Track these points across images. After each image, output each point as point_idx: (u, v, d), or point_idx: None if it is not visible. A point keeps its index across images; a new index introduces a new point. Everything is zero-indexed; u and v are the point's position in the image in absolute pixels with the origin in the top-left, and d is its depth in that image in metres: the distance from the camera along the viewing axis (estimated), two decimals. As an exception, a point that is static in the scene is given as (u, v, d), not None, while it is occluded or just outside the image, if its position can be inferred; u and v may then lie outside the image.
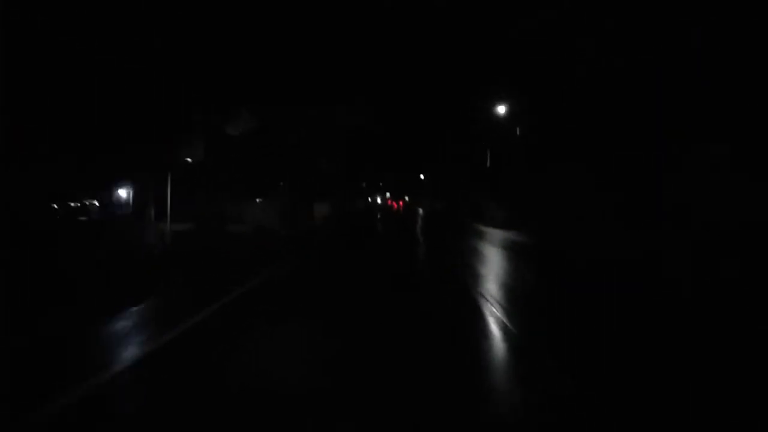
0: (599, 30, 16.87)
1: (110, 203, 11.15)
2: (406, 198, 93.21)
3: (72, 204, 10.93)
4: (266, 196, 20.77)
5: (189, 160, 11.45)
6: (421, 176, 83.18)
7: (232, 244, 13.14)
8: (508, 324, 4.94)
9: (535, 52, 22.65)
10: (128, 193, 11.29)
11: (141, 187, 11.05)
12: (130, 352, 4.05)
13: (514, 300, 6.39)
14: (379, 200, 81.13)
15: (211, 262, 9.74)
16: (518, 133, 26.75)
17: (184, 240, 12.92)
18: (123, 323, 4.96)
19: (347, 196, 43.60)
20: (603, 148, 18.86)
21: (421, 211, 57.96)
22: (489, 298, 6.22)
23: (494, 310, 5.55)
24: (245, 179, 16.23)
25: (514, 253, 12.69)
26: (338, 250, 13.36)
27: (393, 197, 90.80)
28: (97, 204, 12.18)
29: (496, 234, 18.40)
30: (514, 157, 27.45)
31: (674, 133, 14.65)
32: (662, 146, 14.73)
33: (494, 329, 4.83)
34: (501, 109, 26.80)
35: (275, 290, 7.07)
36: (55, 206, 10.24)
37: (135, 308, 5.53)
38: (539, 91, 24.08)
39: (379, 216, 37.93)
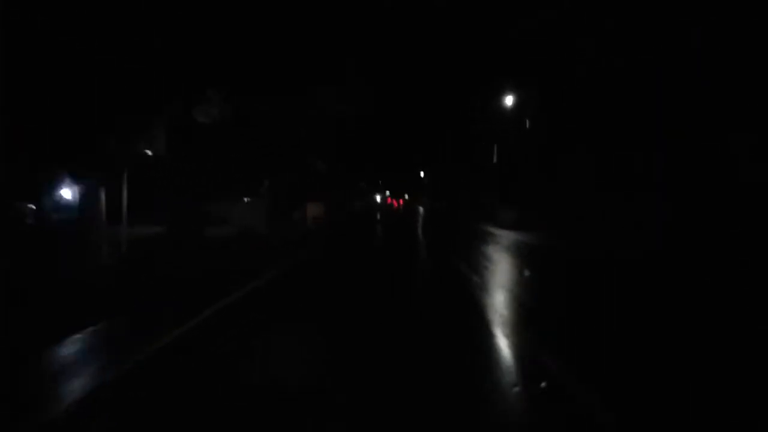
0: (599, 30, 16.80)
1: (53, 206, 9.20)
2: (406, 196, 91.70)
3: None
4: (255, 195, 18.87)
5: (149, 153, 9.47)
6: (421, 174, 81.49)
7: (206, 251, 11.24)
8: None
9: (535, 51, 22.02)
10: (74, 194, 9.35)
11: (89, 186, 9.12)
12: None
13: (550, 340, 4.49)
14: (378, 199, 79.28)
15: (171, 277, 7.84)
16: (527, 126, 24.89)
17: (146, 247, 11.02)
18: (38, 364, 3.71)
19: (345, 196, 41.67)
20: (621, 143, 17.59)
21: (421, 210, 56.05)
22: (524, 344, 4.34)
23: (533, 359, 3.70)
24: (227, 176, 14.28)
25: (533, 262, 10.79)
26: (333, 259, 11.47)
27: (392, 196, 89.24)
28: (33, 207, 10.29)
29: (507, 237, 16.49)
30: (523, 153, 25.59)
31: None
32: (662, 146, 14.61)
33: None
34: (509, 100, 24.90)
35: (244, 320, 5.20)
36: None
37: (55, 347, 3.96)
38: (546, 86, 22.79)
39: (378, 216, 35.87)
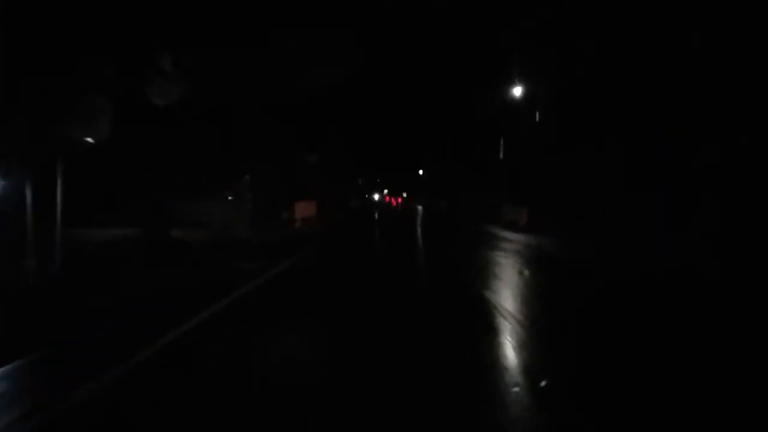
0: (599, 30, 16.87)
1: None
2: (404, 195, 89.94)
3: None
4: (234, 193, 16.91)
5: (90, 139, 7.51)
6: (420, 172, 79.54)
7: (160, 262, 9.29)
8: None
9: (540, 45, 21.49)
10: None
11: (10, 182, 7.18)
12: None
13: None
14: (376, 197, 77.45)
15: (88, 306, 5.89)
16: (537, 118, 22.98)
17: (93, 257, 9.09)
18: None
19: (342, 193, 39.73)
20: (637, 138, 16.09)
21: (420, 209, 54.09)
22: None
23: None
24: (195, 168, 12.29)
25: (560, 277, 8.88)
26: (322, 275, 9.50)
27: (391, 194, 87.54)
28: None
29: (522, 243, 14.54)
30: (531, 148, 23.69)
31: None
32: (662, 146, 14.50)
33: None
34: (517, 91, 22.94)
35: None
36: None
37: None
38: (558, 75, 21.13)
39: (376, 216, 33.73)
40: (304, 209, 18.61)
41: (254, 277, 7.40)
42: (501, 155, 25.56)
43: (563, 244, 13.66)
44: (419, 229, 20.15)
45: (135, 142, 9.12)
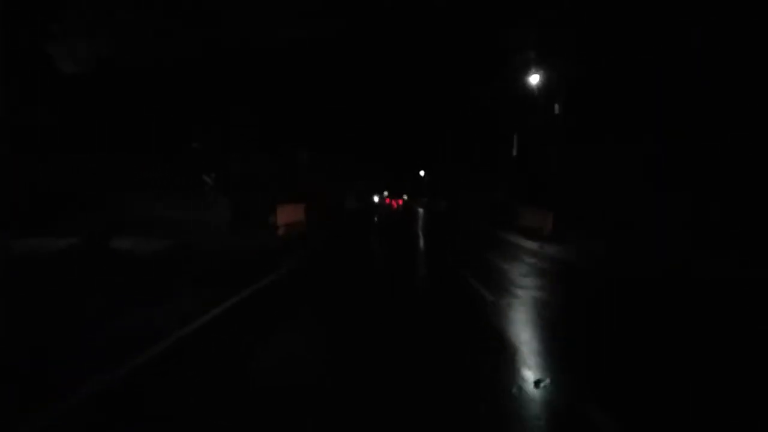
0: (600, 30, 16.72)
1: None
2: (405, 197, 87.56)
3: None
4: (207, 191, 14.37)
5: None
6: (421, 173, 76.98)
7: (67, 293, 6.71)
8: None
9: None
10: None
11: None
12: None
13: None
14: (376, 199, 74.86)
15: None
16: (556, 111, 20.42)
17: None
18: None
19: (337, 194, 37.12)
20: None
21: (421, 211, 51.44)
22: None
23: None
24: (152, 162, 9.74)
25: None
26: (303, 310, 6.84)
27: (391, 196, 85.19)
28: None
29: (556, 259, 11.91)
30: (549, 144, 21.15)
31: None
32: (662, 145, 14.17)
33: None
34: (533, 79, 20.38)
35: None
36: None
37: None
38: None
39: (375, 220, 30.60)
40: (288, 214, 15.84)
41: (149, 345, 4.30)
42: (514, 151, 22.96)
43: (617, 260, 11.08)
44: (424, 240, 17.22)
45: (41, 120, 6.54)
